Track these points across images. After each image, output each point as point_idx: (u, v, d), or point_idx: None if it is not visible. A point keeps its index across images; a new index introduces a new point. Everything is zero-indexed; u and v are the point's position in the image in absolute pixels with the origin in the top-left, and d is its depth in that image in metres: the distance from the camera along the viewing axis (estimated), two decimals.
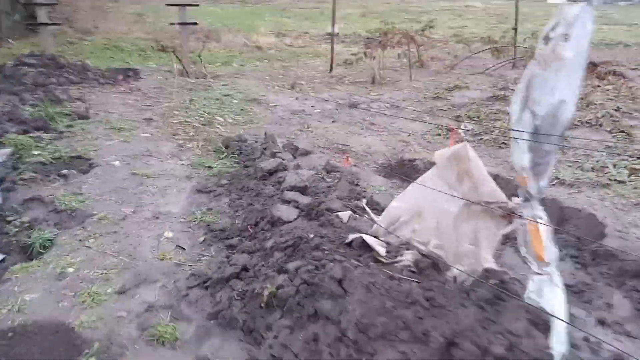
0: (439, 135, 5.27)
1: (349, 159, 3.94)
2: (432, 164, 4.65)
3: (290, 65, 10.07)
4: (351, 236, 2.76)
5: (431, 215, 2.53)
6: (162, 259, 2.96)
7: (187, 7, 8.56)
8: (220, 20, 17.55)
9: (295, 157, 4.57)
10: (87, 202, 3.53)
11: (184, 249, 3.10)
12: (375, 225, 2.84)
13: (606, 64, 8.36)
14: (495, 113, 6.09)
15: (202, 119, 5.83)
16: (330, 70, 9.22)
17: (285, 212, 3.24)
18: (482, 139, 5.10)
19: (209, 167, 4.40)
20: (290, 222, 3.14)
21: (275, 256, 2.71)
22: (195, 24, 8.76)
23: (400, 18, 19.85)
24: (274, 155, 4.41)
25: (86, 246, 2.99)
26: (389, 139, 5.14)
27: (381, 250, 2.57)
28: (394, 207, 2.72)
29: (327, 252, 2.59)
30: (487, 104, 6.58)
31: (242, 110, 6.37)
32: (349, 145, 4.92)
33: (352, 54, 9.18)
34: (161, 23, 14.70)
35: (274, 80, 8.60)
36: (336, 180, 4.00)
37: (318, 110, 6.39)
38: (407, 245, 2.59)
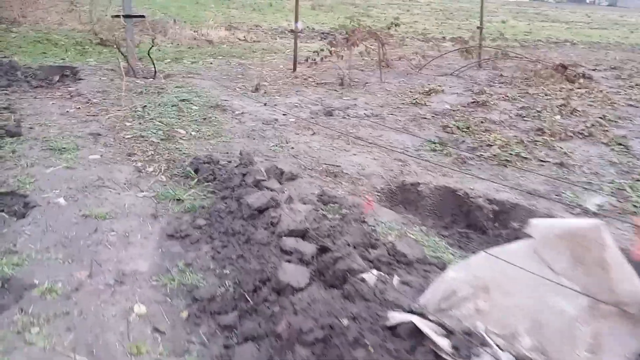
0: (434, 150, 4.67)
1: (372, 202, 3.22)
2: (437, 189, 4.07)
3: (248, 63, 9.17)
4: (393, 316, 2.08)
5: (507, 294, 1.89)
6: (136, 353, 2.14)
7: None
8: (163, 10, 16.22)
9: (281, 183, 3.80)
10: (26, 265, 2.61)
11: (164, 333, 2.29)
12: (422, 298, 2.17)
13: (574, 66, 8.11)
14: (482, 122, 5.57)
15: (160, 132, 4.90)
16: (294, 69, 8.42)
17: (293, 274, 2.49)
18: (481, 155, 4.55)
19: (179, 199, 3.55)
20: (302, 289, 2.41)
21: (297, 353, 1.98)
22: (142, 16, 7.68)
23: (349, 12, 19.22)
24: (257, 183, 3.62)
25: (28, 341, 2.12)
26: (382, 156, 4.47)
27: (444, 344, 1.90)
28: (451, 278, 2.06)
29: (372, 350, 1.89)
30: (470, 111, 6.06)
31: (205, 119, 5.48)
32: (339, 166, 4.21)
33: (314, 52, 8.43)
34: (98, 12, 13.27)
35: (234, 80, 7.71)
36: (339, 217, 3.29)
37: (292, 120, 5.61)
38: (474, 334, 1.94)
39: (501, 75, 8.35)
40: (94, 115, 5.27)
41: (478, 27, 8.93)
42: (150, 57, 7.45)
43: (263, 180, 3.68)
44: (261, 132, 5.15)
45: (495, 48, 8.50)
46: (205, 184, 3.84)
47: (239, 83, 7.55)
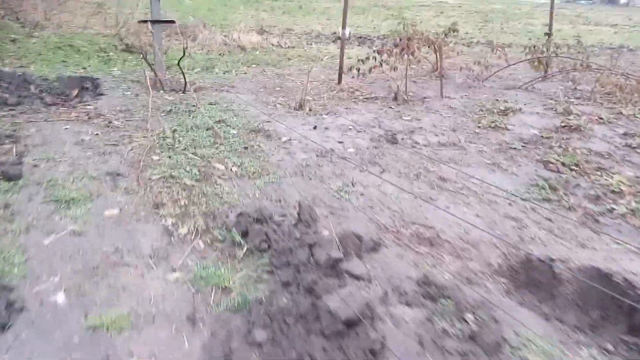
0: (548, 200, 3.48)
1: None
2: (581, 270, 2.87)
3: (285, 73, 8.07)
4: None
5: None
6: None
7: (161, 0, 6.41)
8: (191, 12, 15.22)
9: (361, 258, 2.69)
10: None
11: None
12: None
13: None
14: (587, 155, 4.37)
15: (194, 169, 3.83)
16: (339, 81, 7.29)
17: None
18: (613, 209, 3.35)
19: (225, 287, 2.46)
20: None
21: None
22: (172, 22, 6.63)
23: (383, 14, 17.99)
24: (334, 265, 2.51)
25: None
26: (485, 209, 3.32)
27: None
28: None
29: None
30: (564, 138, 4.85)
31: (246, 148, 4.40)
32: (433, 227, 3.07)
33: (359, 60, 7.27)
34: (125, 15, 12.35)
35: (272, 94, 6.62)
36: (464, 332, 2.15)
37: (351, 149, 4.49)
38: None
39: (575, 88, 7.09)
40: (114, 145, 4.22)
41: (546, 34, 7.66)
42: (180, 68, 6.39)
43: (339, 259, 2.56)
44: (317, 167, 4.03)
45: (573, 57, 7.16)
46: (258, 255, 2.74)
47: (279, 97, 6.46)
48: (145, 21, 6.24)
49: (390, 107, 6.12)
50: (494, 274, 2.65)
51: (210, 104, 5.83)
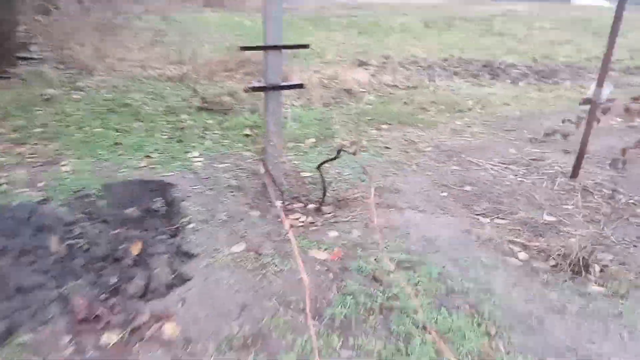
0: None
1: None
2: None
3: (455, 148, 4.74)
4: None
5: None
6: None
7: (282, 51, 3.17)
8: (256, 37, 12.07)
9: None
10: None
11: None
12: None
13: None
14: None
15: None
16: (575, 173, 3.89)
17: None
18: None
19: None
20: None
21: None
22: (300, 86, 3.40)
23: (474, 30, 14.33)
24: None
25: None
26: None
27: None
28: None
29: None
30: None
31: None
32: None
33: (568, 120, 3.86)
34: (190, 44, 9.32)
35: (471, 205, 3.31)
36: None
37: None
38: None
39: None
40: None
41: None
42: (322, 175, 3.17)
43: None
44: None
45: None
46: None
47: (493, 218, 3.16)
48: (261, 88, 3.04)
49: None
50: None
51: (403, 267, 2.58)
